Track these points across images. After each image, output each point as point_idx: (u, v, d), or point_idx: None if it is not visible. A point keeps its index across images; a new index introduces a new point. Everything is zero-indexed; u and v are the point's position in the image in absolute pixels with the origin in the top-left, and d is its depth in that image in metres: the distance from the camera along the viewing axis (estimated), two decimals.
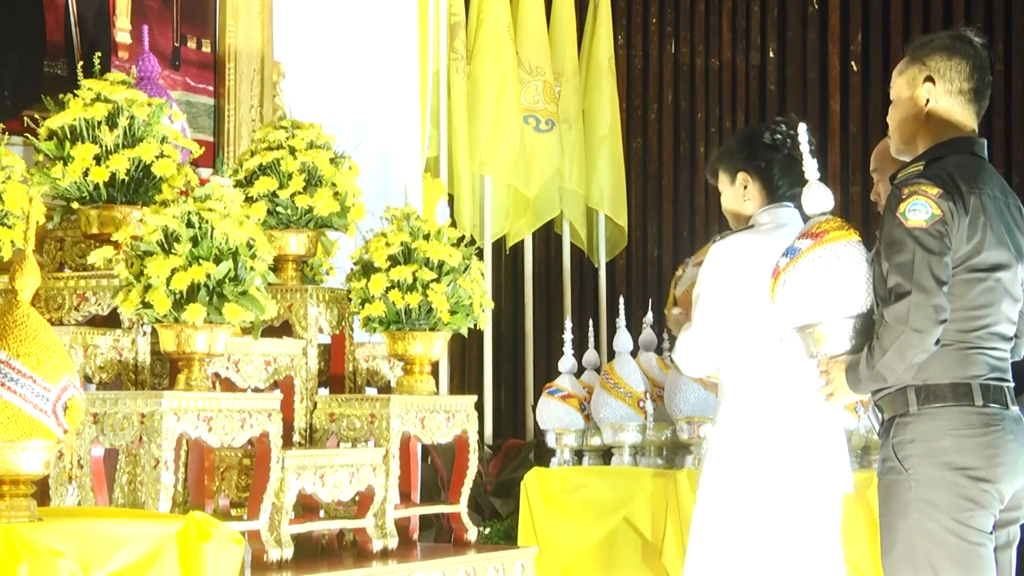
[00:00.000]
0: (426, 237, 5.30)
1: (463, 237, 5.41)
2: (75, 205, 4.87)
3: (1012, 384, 3.82)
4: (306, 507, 4.98)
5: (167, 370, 4.79)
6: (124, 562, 3.50)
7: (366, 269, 5.29)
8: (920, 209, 3.67)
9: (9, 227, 4.64)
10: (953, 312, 3.70)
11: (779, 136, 4.38)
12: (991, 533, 3.75)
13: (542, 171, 9.09)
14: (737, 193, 4.42)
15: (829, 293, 3.78)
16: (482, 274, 5.41)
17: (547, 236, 9.70)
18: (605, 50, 9.54)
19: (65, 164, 4.79)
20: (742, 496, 4.37)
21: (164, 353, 4.57)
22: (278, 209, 5.28)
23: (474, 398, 5.49)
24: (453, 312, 5.26)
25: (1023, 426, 3.80)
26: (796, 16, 10.11)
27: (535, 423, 7.75)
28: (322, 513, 5.09)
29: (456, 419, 5.36)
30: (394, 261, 5.24)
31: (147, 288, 4.39)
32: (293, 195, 5.26)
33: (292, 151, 5.29)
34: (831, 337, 3.80)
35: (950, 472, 3.71)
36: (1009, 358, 3.85)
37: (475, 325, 5.36)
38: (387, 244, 5.26)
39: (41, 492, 4.30)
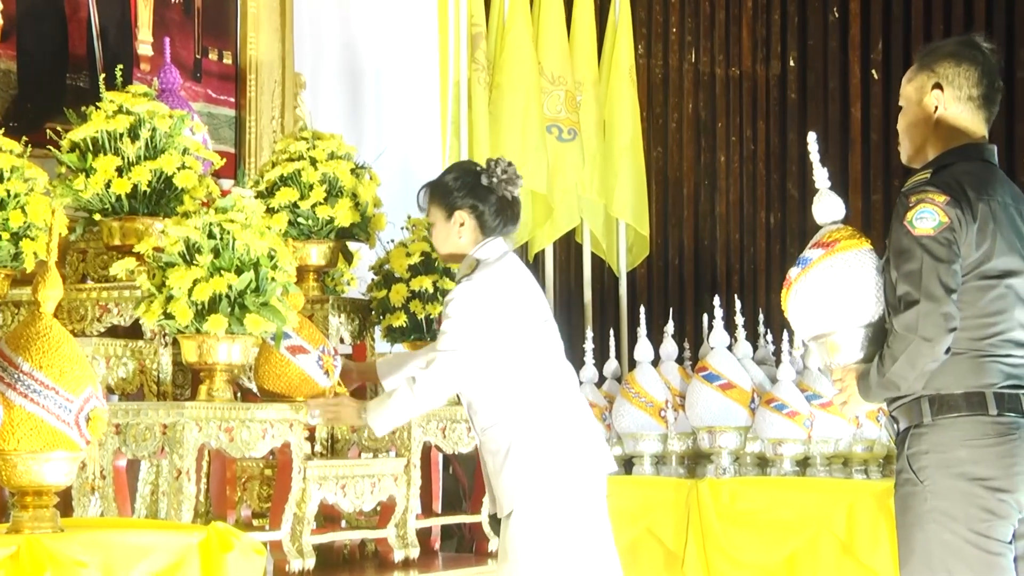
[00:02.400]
0: None
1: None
2: (97, 217, 4.88)
3: None
4: (328, 517, 4.98)
5: (189, 381, 4.80)
6: (146, 572, 3.51)
7: (387, 279, 5.30)
8: (927, 217, 3.66)
9: (32, 239, 4.67)
10: (965, 320, 3.68)
11: (495, 179, 4.46)
12: (1010, 543, 3.73)
13: (564, 180, 9.09)
14: (451, 231, 4.48)
15: (841, 302, 3.77)
16: None
17: (568, 245, 9.70)
18: (626, 59, 9.53)
19: (87, 176, 4.81)
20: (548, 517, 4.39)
21: (186, 364, 4.58)
22: (299, 220, 5.29)
23: None
24: None
25: None
26: (817, 25, 10.11)
27: None
28: (344, 523, 5.10)
29: None
30: (414, 271, 5.25)
31: (169, 299, 4.40)
32: (314, 206, 5.27)
33: (313, 162, 5.31)
34: (844, 346, 3.80)
35: (966, 483, 3.68)
36: None
37: None
38: (408, 254, 5.27)
39: (64, 503, 4.31)
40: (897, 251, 3.70)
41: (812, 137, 3.99)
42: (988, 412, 3.69)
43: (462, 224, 4.49)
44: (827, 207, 3.95)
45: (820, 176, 3.97)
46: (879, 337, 3.78)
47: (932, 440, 3.72)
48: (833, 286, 3.78)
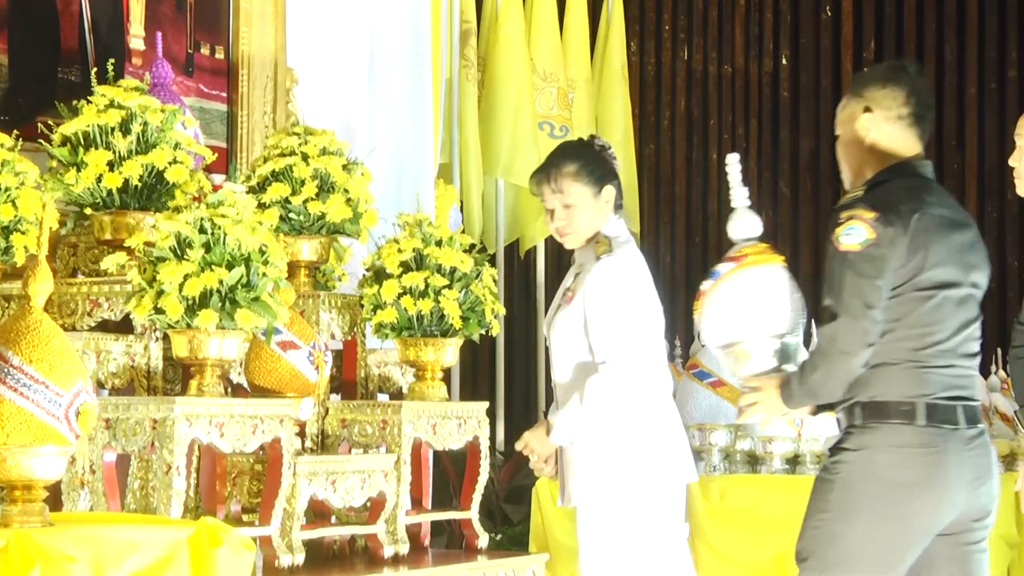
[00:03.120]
0: (438, 243, 5.31)
1: (475, 244, 5.41)
2: (88, 211, 4.88)
3: (971, 402, 3.83)
4: (318, 513, 4.98)
5: (179, 376, 4.81)
6: (136, 567, 3.51)
7: (378, 275, 5.30)
8: (854, 233, 3.73)
9: (23, 233, 4.66)
10: (902, 331, 3.76)
11: (610, 152, 4.43)
12: (917, 548, 3.79)
13: None
14: (600, 207, 4.41)
15: (748, 313, 3.88)
16: (494, 280, 5.42)
17: (556, 243, 9.70)
18: (618, 57, 9.54)
19: (79, 170, 4.80)
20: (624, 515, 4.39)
21: (176, 359, 4.58)
22: (291, 215, 5.29)
23: (486, 404, 5.49)
24: (465, 318, 5.26)
25: (973, 446, 3.81)
26: (809, 23, 10.11)
27: None
28: (333, 519, 5.10)
29: (468, 425, 5.37)
30: (406, 267, 5.25)
31: (160, 294, 4.40)
32: (305, 201, 5.27)
33: (305, 157, 5.31)
34: (754, 355, 3.90)
35: (877, 485, 3.75)
36: (970, 375, 3.86)
37: (487, 331, 5.37)
38: (399, 250, 5.27)
39: (53, 497, 4.30)
40: (828, 263, 3.80)
41: (732, 158, 4.05)
42: (915, 422, 3.76)
43: (608, 201, 4.42)
44: (743, 224, 4.00)
45: (739, 195, 4.02)
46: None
47: (858, 441, 3.80)
48: (740, 298, 3.88)
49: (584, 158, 4.45)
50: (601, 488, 4.36)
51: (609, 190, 4.40)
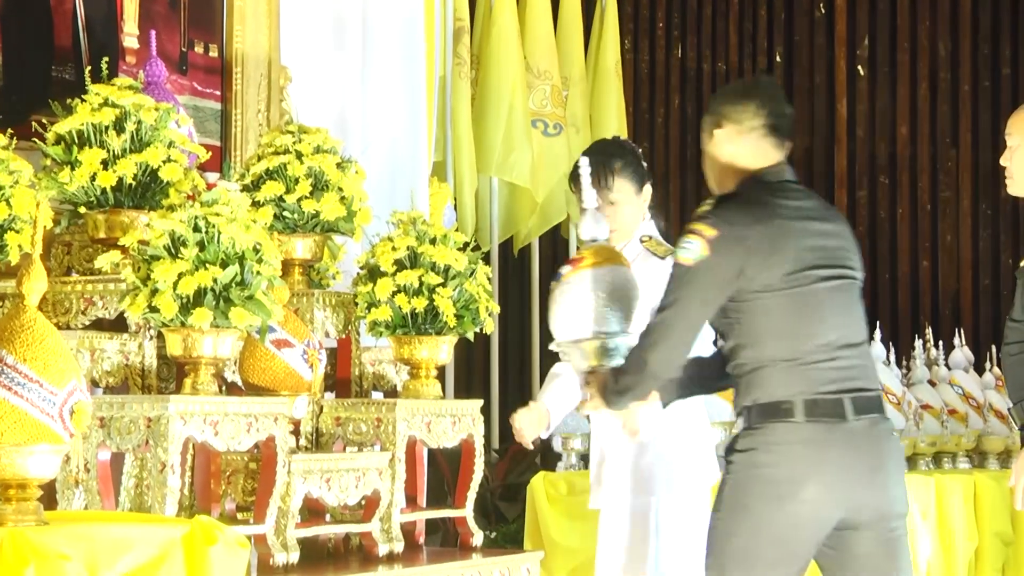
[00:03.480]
0: (432, 241, 5.31)
1: (468, 242, 5.42)
2: (82, 210, 4.88)
3: (864, 392, 3.88)
4: (312, 511, 4.98)
5: (173, 374, 4.80)
6: (130, 565, 3.51)
7: (372, 273, 5.30)
8: (690, 248, 3.85)
9: (17, 231, 4.66)
10: (774, 332, 3.84)
11: (640, 151, 4.48)
12: (810, 542, 3.86)
13: (550, 175, 9.10)
14: (641, 205, 4.44)
15: (582, 314, 4.03)
16: (488, 278, 5.42)
17: (554, 240, 9.71)
18: (612, 54, 9.55)
19: (72, 169, 4.80)
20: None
21: (171, 357, 4.58)
22: (285, 213, 5.29)
23: (480, 402, 5.49)
24: (459, 316, 5.26)
25: (864, 437, 3.87)
26: (803, 21, 10.12)
27: None
28: (328, 517, 5.10)
29: (462, 423, 5.37)
30: (400, 265, 5.24)
31: (154, 292, 4.40)
32: (300, 199, 5.27)
33: (299, 155, 5.30)
34: (584, 353, 4.07)
35: (758, 483, 3.83)
36: (856, 364, 3.91)
37: (481, 329, 5.37)
38: (393, 248, 5.27)
39: (48, 496, 4.30)
40: (670, 276, 3.93)
41: (583, 161, 4.19)
42: (795, 419, 3.83)
43: (646, 200, 4.44)
44: (590, 226, 4.17)
45: (589, 197, 4.18)
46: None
47: (744, 443, 3.89)
48: (574, 299, 4.06)
49: (628, 158, 4.48)
50: (632, 492, 4.37)
51: (648, 188, 4.43)
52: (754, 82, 4.19)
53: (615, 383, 3.97)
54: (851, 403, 3.86)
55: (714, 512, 3.93)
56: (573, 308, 4.05)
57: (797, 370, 3.85)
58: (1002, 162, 4.48)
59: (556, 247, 9.76)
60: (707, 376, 4.12)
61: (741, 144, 4.04)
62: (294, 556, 4.68)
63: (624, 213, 4.46)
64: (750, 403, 3.89)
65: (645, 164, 4.51)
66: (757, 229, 3.86)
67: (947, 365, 7.84)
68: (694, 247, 3.85)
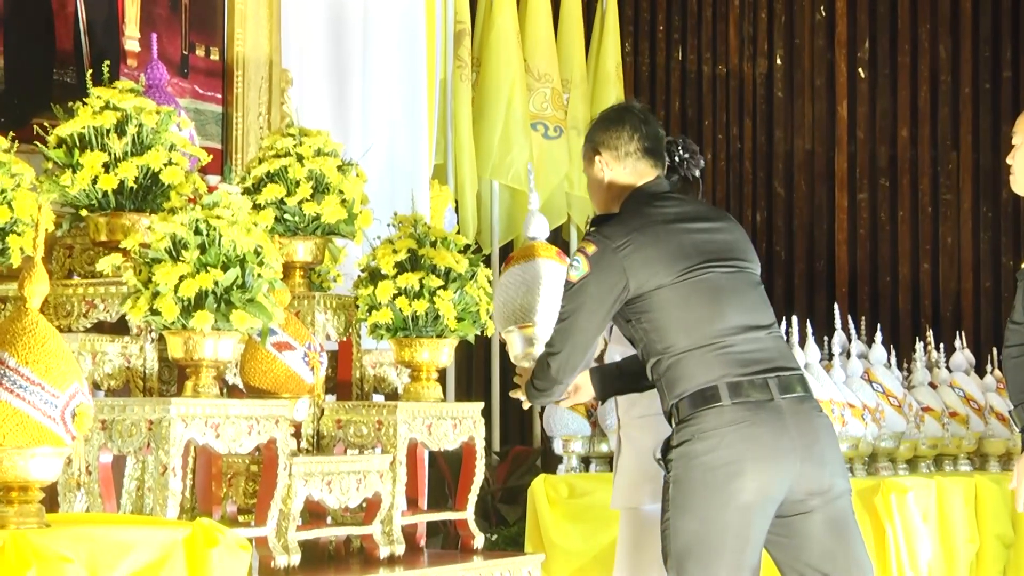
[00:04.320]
0: (433, 244, 5.32)
1: (470, 244, 5.42)
2: (84, 212, 4.88)
3: (784, 372, 3.99)
4: (313, 513, 4.99)
5: (175, 377, 4.81)
6: (132, 568, 3.51)
7: (373, 276, 5.30)
8: (576, 266, 4.07)
9: (19, 234, 4.66)
10: (678, 326, 3.99)
11: (677, 157, 4.49)
12: (759, 522, 3.92)
13: (550, 178, 9.11)
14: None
15: (504, 307, 4.44)
16: (489, 281, 5.42)
17: (555, 242, 9.70)
18: (612, 57, 9.55)
19: (74, 172, 4.80)
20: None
21: (172, 360, 4.58)
22: (285, 216, 5.29)
23: (481, 405, 5.50)
24: (460, 319, 5.27)
25: (792, 414, 3.95)
26: (803, 23, 10.12)
27: (542, 430, 7.76)
28: (329, 520, 5.10)
29: (463, 426, 5.37)
30: (401, 268, 5.25)
31: (155, 295, 4.40)
32: (300, 202, 5.27)
33: (300, 158, 5.31)
34: (511, 343, 4.47)
35: (698, 471, 3.91)
36: (771, 346, 4.03)
37: (482, 332, 5.37)
38: (394, 251, 5.28)
39: (50, 498, 4.31)
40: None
41: (529, 166, 4.72)
42: (722, 403, 3.93)
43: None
44: (532, 225, 4.58)
45: (533, 200, 4.70)
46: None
47: (678, 437, 3.98)
48: (507, 291, 4.44)
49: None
50: (643, 496, 4.38)
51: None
52: (626, 107, 4.34)
53: (532, 383, 4.25)
54: (775, 383, 3.96)
55: (663, 514, 3.99)
56: (498, 302, 4.47)
57: (712, 355, 3.96)
58: (1008, 160, 4.53)
59: None
60: (638, 372, 4.22)
61: (618, 169, 4.21)
62: (295, 558, 4.68)
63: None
64: (676, 399, 3.99)
65: (674, 165, 4.50)
66: (634, 237, 4.03)
67: (948, 367, 7.84)
68: (578, 264, 4.06)
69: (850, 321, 7.45)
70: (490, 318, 5.35)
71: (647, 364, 4.09)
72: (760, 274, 4.20)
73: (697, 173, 4.52)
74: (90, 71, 5.02)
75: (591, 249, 4.05)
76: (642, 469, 4.42)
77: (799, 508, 3.95)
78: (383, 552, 5.05)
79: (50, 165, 4.89)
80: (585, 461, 6.70)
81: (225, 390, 4.84)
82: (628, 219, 4.10)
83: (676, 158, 4.48)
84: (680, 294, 4.00)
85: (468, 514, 5.44)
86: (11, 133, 4.81)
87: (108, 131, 4.81)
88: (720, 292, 4.02)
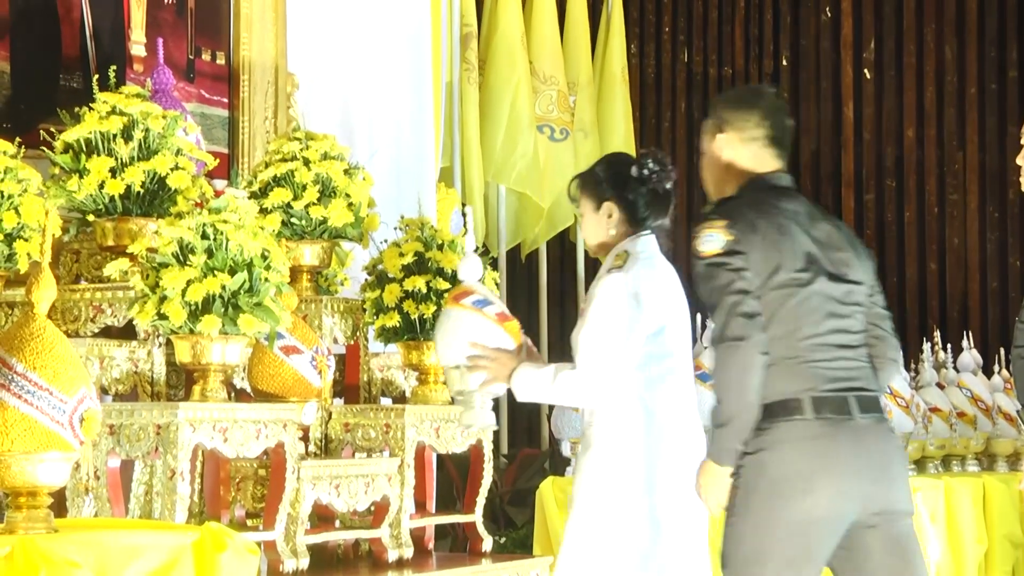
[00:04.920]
0: (440, 247, 5.32)
1: (477, 247, 5.41)
2: (91, 217, 4.89)
3: (866, 392, 3.91)
4: (321, 517, 4.99)
5: (182, 381, 4.81)
6: (140, 573, 3.51)
7: (380, 279, 5.31)
8: (711, 239, 3.91)
9: (26, 240, 4.67)
10: (774, 329, 3.87)
11: (646, 171, 4.46)
12: (826, 539, 3.86)
13: (556, 180, 9.10)
14: (600, 221, 4.47)
15: (448, 342, 4.41)
16: (496, 283, 5.42)
17: (562, 245, 9.72)
18: (618, 59, 9.55)
19: (81, 177, 4.81)
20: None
21: (179, 364, 4.59)
22: (292, 220, 5.29)
23: None
24: None
25: (870, 434, 3.89)
26: (809, 24, 10.12)
27: (550, 432, 7.76)
28: (337, 523, 5.10)
29: (471, 429, 5.37)
30: (408, 271, 5.25)
31: (162, 300, 4.41)
32: (307, 206, 5.28)
33: (306, 162, 5.31)
34: (449, 380, 4.47)
35: (767, 482, 3.84)
36: (857, 366, 3.94)
37: None
38: (401, 254, 5.28)
39: (58, 503, 4.31)
40: (698, 278, 3.96)
41: (469, 210, 4.64)
42: (804, 416, 3.86)
43: (610, 215, 4.46)
44: (467, 268, 4.57)
45: (469, 241, 4.73)
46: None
47: (754, 444, 3.89)
48: (441, 330, 4.45)
49: (594, 173, 4.51)
50: (599, 500, 4.34)
51: (609, 206, 4.43)
52: (760, 91, 4.24)
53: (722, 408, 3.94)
54: (856, 401, 3.89)
55: (727, 518, 3.92)
56: (445, 336, 4.47)
57: (800, 368, 3.87)
58: (1018, 161, 4.51)
59: (564, 252, 9.77)
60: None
61: (741, 151, 4.09)
62: (304, 562, 4.69)
63: (585, 228, 4.52)
64: (762, 402, 3.88)
65: (642, 177, 4.47)
66: (761, 224, 3.90)
67: (955, 368, 7.84)
68: (716, 237, 3.90)
69: None
70: None
71: None
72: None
73: (668, 186, 4.49)
74: (96, 76, 5.02)
75: (721, 223, 3.91)
76: (593, 475, 4.37)
77: (863, 523, 3.89)
78: (391, 555, 5.05)
79: (57, 170, 4.89)
80: None
81: (233, 394, 4.84)
82: (755, 206, 3.96)
83: (645, 171, 4.46)
84: (783, 300, 3.88)
85: (476, 517, 5.44)
86: (18, 139, 4.81)
87: (115, 136, 4.81)
88: (822, 306, 3.91)
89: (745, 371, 3.85)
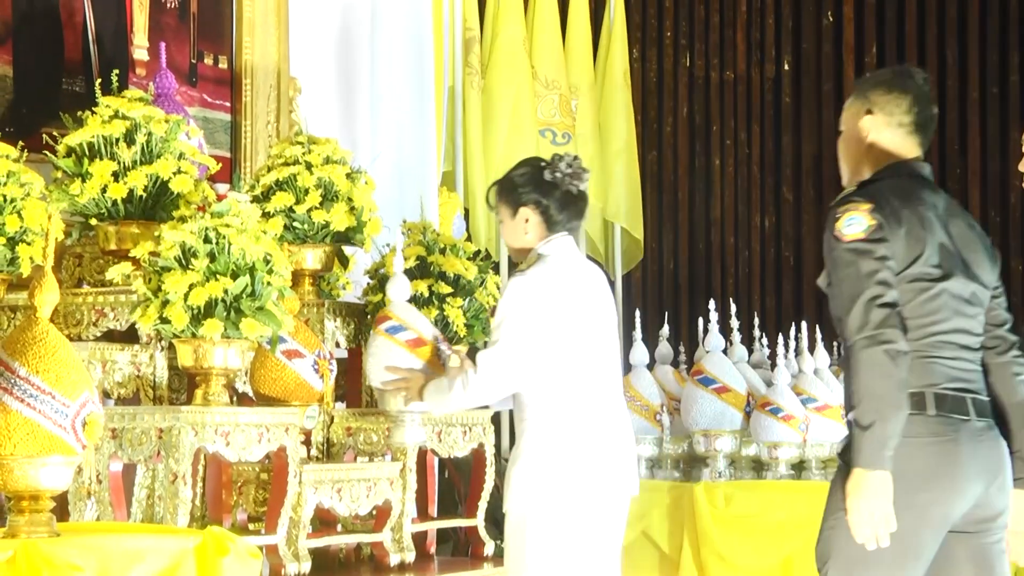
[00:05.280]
0: (442, 251, 5.32)
1: (479, 251, 5.42)
2: (93, 221, 4.89)
3: (980, 396, 3.82)
4: (323, 521, 4.99)
5: (185, 385, 4.81)
6: None
7: (382, 283, 5.31)
8: (855, 222, 3.76)
9: (28, 243, 4.67)
10: (905, 323, 3.75)
11: (559, 174, 4.48)
12: (936, 542, 3.77)
13: None
14: (518, 227, 4.50)
15: (369, 365, 4.57)
16: (498, 288, 5.42)
17: None
18: (620, 63, 9.54)
19: (83, 181, 4.81)
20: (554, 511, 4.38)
21: (182, 368, 4.59)
22: (295, 224, 5.30)
23: (491, 412, 5.50)
24: (469, 326, 5.27)
25: (986, 439, 3.81)
26: (811, 29, 10.13)
27: None
28: (339, 527, 5.10)
29: (473, 433, 5.37)
30: (410, 275, 5.25)
31: (165, 303, 4.41)
32: (310, 210, 5.28)
33: (308, 166, 5.31)
34: (382, 400, 4.60)
35: (898, 478, 3.70)
36: (974, 368, 3.85)
37: None
38: (403, 258, 5.28)
39: (60, 507, 4.31)
40: (833, 261, 3.80)
41: (398, 262, 4.77)
42: (926, 411, 3.76)
43: (527, 220, 4.48)
44: (397, 288, 4.73)
45: (398, 263, 4.81)
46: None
47: None
48: (365, 353, 4.62)
49: (510, 180, 4.57)
50: (533, 498, 4.35)
51: (525, 211, 4.47)
52: (909, 74, 4.02)
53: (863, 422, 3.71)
54: (972, 403, 3.80)
55: (836, 511, 3.77)
56: (374, 358, 4.60)
57: (924, 362, 3.76)
58: (1021, 167, 4.46)
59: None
60: None
61: (886, 135, 3.95)
62: (306, 566, 4.69)
63: (504, 234, 4.58)
64: None
65: (555, 180, 4.50)
66: (905, 214, 3.80)
67: None
68: (860, 220, 3.76)
69: None
70: None
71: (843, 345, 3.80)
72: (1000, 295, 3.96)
73: (582, 188, 4.49)
74: (99, 80, 5.02)
75: (866, 205, 3.77)
76: (521, 476, 4.38)
77: (960, 529, 3.81)
78: (393, 559, 5.05)
79: (59, 174, 4.89)
80: None
81: (235, 398, 4.84)
82: (900, 193, 3.83)
83: (558, 174, 4.47)
84: (914, 294, 3.77)
85: (478, 521, 5.45)
86: (20, 143, 4.82)
87: (117, 140, 4.82)
88: (950, 304, 3.82)
89: (889, 369, 3.69)
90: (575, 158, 4.55)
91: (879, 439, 3.68)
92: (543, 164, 4.53)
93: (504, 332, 4.34)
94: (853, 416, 3.73)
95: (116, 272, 4.67)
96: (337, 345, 5.32)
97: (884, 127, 3.95)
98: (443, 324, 5.21)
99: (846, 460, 3.75)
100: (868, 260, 3.74)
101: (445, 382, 4.44)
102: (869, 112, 3.96)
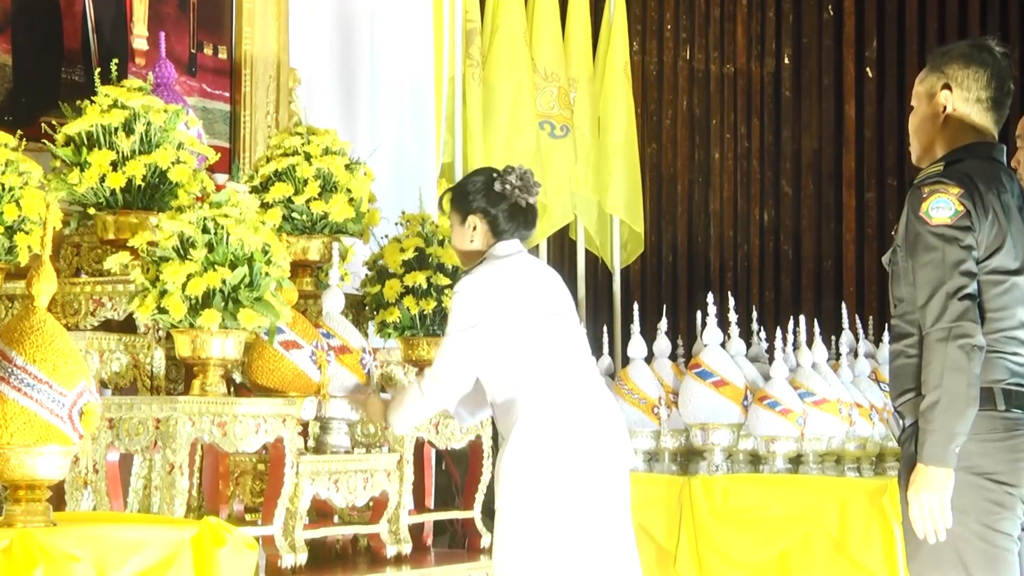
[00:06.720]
0: (440, 242, 5.32)
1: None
2: (92, 211, 4.89)
3: None
4: (320, 512, 4.99)
5: (182, 375, 4.81)
6: (139, 567, 3.51)
7: (381, 275, 5.31)
8: (944, 207, 3.66)
9: (26, 233, 4.67)
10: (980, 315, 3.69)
11: (508, 186, 4.51)
12: (1016, 537, 3.72)
13: (557, 177, 9.09)
14: (466, 233, 4.54)
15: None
16: None
17: (562, 242, 9.71)
18: (620, 56, 9.53)
19: (82, 170, 4.81)
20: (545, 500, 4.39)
21: (179, 358, 4.59)
22: (293, 215, 5.29)
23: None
24: None
25: None
26: (811, 22, 10.12)
27: None
28: (336, 518, 5.10)
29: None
30: (408, 267, 5.25)
31: (163, 293, 4.41)
32: (308, 201, 5.28)
33: (307, 157, 5.31)
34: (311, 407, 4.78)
35: (974, 476, 3.67)
36: None
37: None
38: (401, 250, 5.28)
39: (57, 497, 4.32)
40: (914, 242, 3.71)
41: (334, 247, 5.20)
42: (996, 407, 3.69)
43: (474, 228, 4.54)
44: (329, 301, 4.95)
45: (333, 273, 5.00)
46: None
47: None
48: None
49: (461, 188, 4.66)
50: (520, 487, 4.36)
51: (473, 219, 4.52)
52: (988, 48, 3.89)
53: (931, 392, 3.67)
54: None
55: (903, 510, 3.74)
56: None
57: (992, 358, 3.70)
58: (1013, 164, 4.41)
59: (564, 249, 9.76)
60: None
61: (963, 111, 3.85)
62: (302, 557, 4.68)
63: (453, 239, 4.66)
64: None
65: (504, 192, 4.54)
66: (991, 201, 3.72)
67: None
68: (948, 205, 3.67)
69: (857, 321, 7.44)
70: None
71: (903, 341, 3.75)
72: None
73: (531, 201, 4.52)
74: (98, 69, 5.02)
75: (955, 190, 3.68)
76: (505, 466, 4.39)
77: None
78: (390, 551, 5.05)
79: (58, 163, 4.89)
80: None
81: (232, 389, 4.84)
82: (985, 179, 3.73)
83: (508, 186, 4.50)
84: (989, 287, 3.69)
85: (475, 513, 5.45)
86: (19, 131, 4.81)
87: (116, 129, 4.81)
88: (1021, 299, 3.74)
89: (963, 364, 3.63)
90: (527, 171, 4.61)
91: (947, 435, 3.63)
92: (495, 175, 4.59)
93: (451, 328, 4.43)
94: (922, 408, 3.66)
95: (114, 262, 4.67)
96: None
97: (962, 103, 3.84)
98: (442, 315, 5.21)
99: (907, 450, 3.68)
100: (954, 248, 3.66)
101: (402, 397, 4.55)
102: (946, 87, 3.85)
